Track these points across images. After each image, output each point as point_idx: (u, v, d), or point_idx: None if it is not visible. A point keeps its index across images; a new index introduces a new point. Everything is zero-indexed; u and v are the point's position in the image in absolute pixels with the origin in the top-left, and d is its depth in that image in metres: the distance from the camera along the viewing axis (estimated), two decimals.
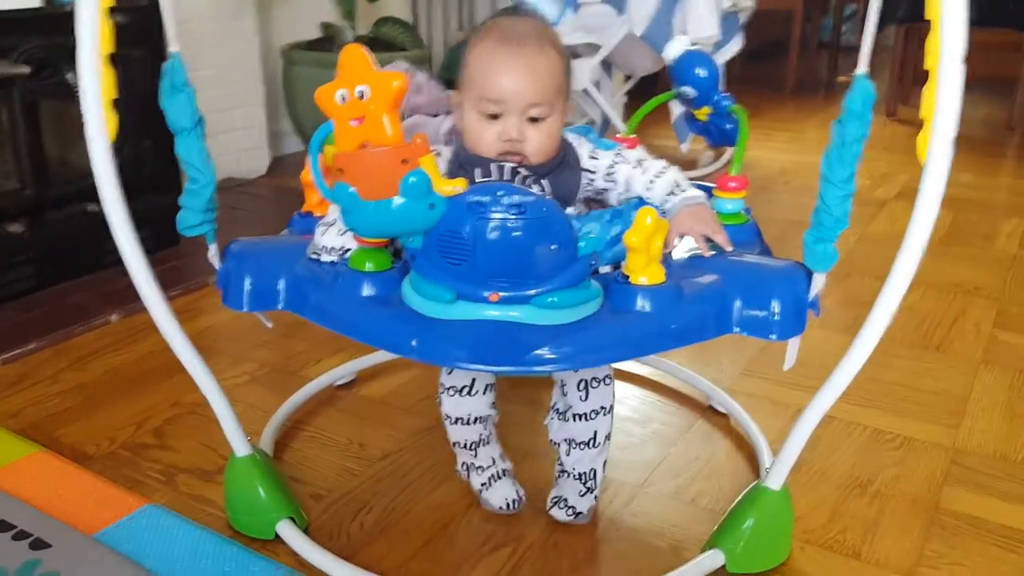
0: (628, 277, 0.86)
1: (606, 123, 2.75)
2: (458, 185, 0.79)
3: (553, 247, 0.80)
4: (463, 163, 0.98)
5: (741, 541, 1.02)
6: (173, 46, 0.88)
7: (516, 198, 0.78)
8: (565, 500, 1.12)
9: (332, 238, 0.93)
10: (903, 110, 3.79)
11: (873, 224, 2.39)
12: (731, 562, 1.02)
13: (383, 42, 2.79)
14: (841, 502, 1.19)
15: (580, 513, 1.12)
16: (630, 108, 3.13)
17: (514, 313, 0.82)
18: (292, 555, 1.06)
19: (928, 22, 0.76)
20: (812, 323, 0.90)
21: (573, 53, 2.44)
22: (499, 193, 0.79)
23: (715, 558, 1.02)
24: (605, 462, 1.12)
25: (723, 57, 2.75)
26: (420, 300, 0.83)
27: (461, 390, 1.08)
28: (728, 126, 1.12)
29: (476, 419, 1.10)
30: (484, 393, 1.09)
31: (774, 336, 0.89)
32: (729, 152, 3.09)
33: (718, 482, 1.23)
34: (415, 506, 1.18)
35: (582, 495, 1.12)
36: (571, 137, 1.03)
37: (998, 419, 1.40)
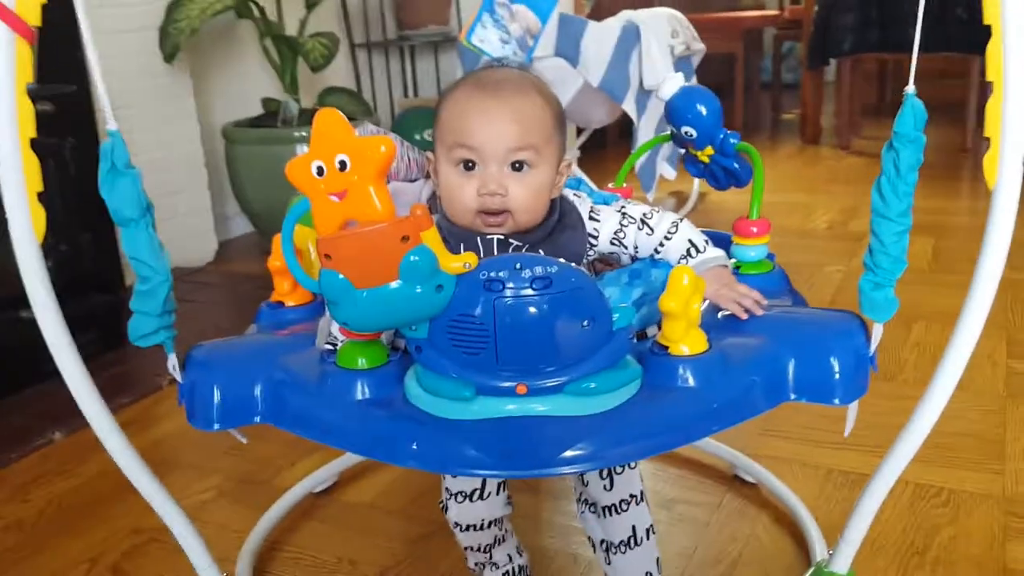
0: (666, 347, 0.73)
1: None
2: (467, 260, 0.66)
3: (585, 323, 0.67)
4: (444, 237, 0.84)
5: None
6: (111, 124, 0.73)
7: (539, 269, 0.66)
8: None
9: None
10: (857, 142, 3.78)
11: (856, 259, 2.31)
12: None
13: None
14: (903, 574, 1.06)
15: None
16: (582, 162, 3.05)
17: (540, 407, 0.68)
18: None
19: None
20: None
21: None
22: (517, 265, 0.66)
23: None
24: (658, 560, 0.96)
25: None
26: (431, 399, 0.69)
27: (471, 495, 0.92)
28: (736, 166, 1.00)
29: (490, 523, 0.95)
30: (497, 493, 0.94)
31: (837, 400, 0.79)
32: (692, 200, 3.02)
33: (763, 566, 1.10)
34: None
35: None
36: (570, 194, 0.90)
37: None
